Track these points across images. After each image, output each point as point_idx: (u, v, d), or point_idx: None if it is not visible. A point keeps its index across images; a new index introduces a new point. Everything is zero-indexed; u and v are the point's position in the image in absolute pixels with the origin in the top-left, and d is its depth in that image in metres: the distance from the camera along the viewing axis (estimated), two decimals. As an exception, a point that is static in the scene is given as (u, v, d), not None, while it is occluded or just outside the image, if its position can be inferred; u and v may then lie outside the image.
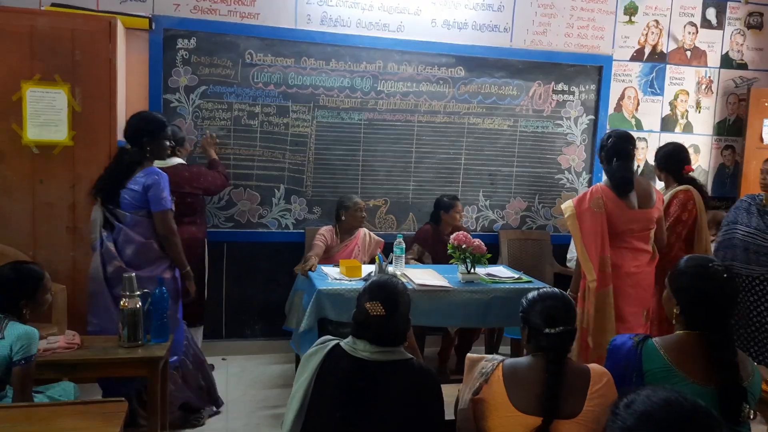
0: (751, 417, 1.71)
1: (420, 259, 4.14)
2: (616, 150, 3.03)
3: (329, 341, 1.84)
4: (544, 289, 1.91)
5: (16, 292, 2.33)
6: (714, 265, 1.87)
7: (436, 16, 4.43)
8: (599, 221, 2.94)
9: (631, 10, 4.80)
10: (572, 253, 4.10)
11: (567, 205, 3.05)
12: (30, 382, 2.25)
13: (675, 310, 1.88)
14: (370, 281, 1.94)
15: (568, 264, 4.22)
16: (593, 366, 1.78)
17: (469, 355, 1.93)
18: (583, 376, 1.71)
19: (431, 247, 4.15)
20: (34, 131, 3.48)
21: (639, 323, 3.04)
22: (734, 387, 1.71)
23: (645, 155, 4.92)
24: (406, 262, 3.97)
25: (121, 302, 2.74)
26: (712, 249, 3.60)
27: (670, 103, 4.98)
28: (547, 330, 1.75)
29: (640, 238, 3.04)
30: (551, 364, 1.72)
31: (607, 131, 3.37)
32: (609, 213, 2.95)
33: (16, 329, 2.24)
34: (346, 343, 1.81)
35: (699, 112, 5.04)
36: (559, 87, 4.72)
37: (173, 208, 3.09)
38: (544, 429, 1.64)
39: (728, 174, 5.14)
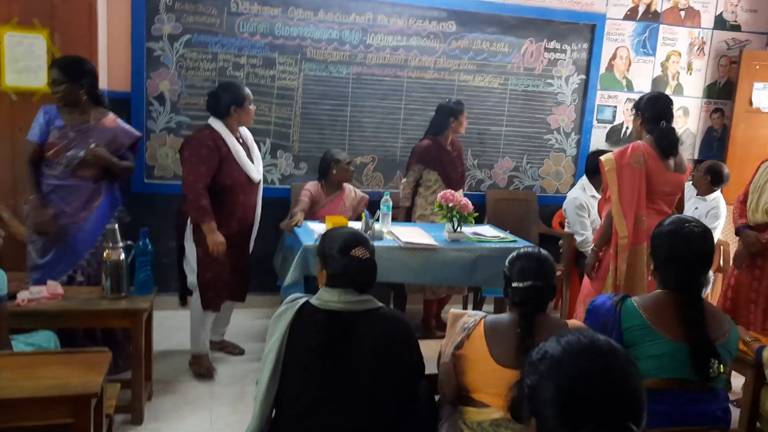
0: (722, 372, 1.78)
1: (420, 182, 3.96)
2: (665, 112, 2.99)
3: (298, 299, 1.83)
4: (526, 248, 1.94)
5: None
6: (690, 225, 1.92)
7: (429, -33, 4.31)
8: (638, 177, 2.91)
9: (627, -33, 4.71)
10: (582, 235, 4.03)
11: (607, 158, 3.01)
12: (3, 323, 2.23)
13: (651, 267, 1.97)
14: (326, 235, 1.92)
15: (579, 247, 4.13)
16: (572, 321, 1.83)
17: (452, 310, 1.95)
18: (561, 330, 1.73)
19: (437, 163, 3.93)
20: (12, 77, 3.39)
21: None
22: (703, 344, 1.79)
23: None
24: (402, 189, 3.96)
25: (105, 253, 2.72)
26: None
27: (662, 64, 4.94)
28: (515, 284, 1.82)
29: (667, 202, 3.04)
30: (522, 318, 1.77)
31: (648, 93, 3.29)
32: (648, 171, 2.93)
33: None
34: (315, 298, 1.81)
35: (690, 74, 5.00)
36: (552, 45, 4.65)
37: (31, 140, 3.01)
38: (522, 382, 1.66)
39: (716, 137, 5.14)
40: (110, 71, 3.85)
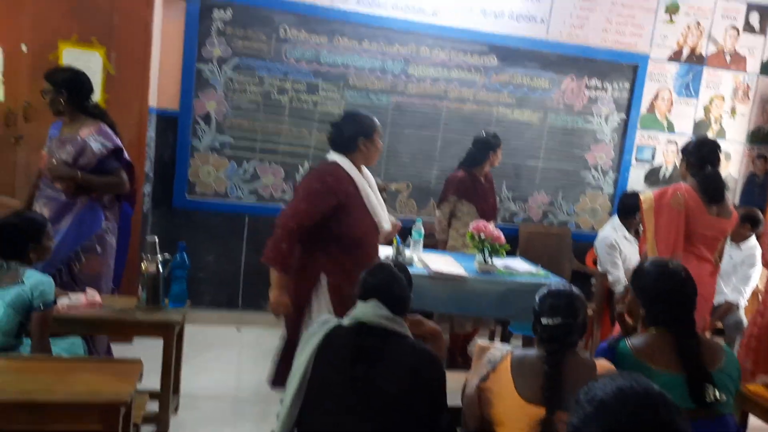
0: (719, 398, 1.81)
1: (454, 213, 3.97)
2: (710, 156, 2.98)
3: (330, 321, 1.86)
4: (557, 285, 1.94)
5: (23, 237, 2.37)
6: (672, 265, 2.02)
7: (473, 3, 4.39)
8: (676, 219, 2.88)
9: (672, 10, 4.70)
10: (613, 275, 3.98)
11: (646, 197, 2.99)
12: (47, 328, 2.30)
13: (641, 312, 2.02)
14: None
15: (611, 287, 4.00)
16: (600, 361, 1.80)
17: (479, 342, 1.95)
18: (589, 369, 1.73)
19: (471, 194, 3.94)
20: (68, 92, 3.53)
21: None
22: (697, 371, 1.83)
23: (675, 158, 4.85)
24: (438, 222, 3.97)
25: (143, 265, 2.79)
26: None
27: (705, 107, 4.89)
28: (544, 320, 1.81)
29: (709, 247, 2.99)
30: (549, 355, 1.76)
31: (695, 137, 3.31)
32: (688, 213, 2.89)
33: (34, 275, 2.29)
34: (346, 317, 1.84)
35: (734, 118, 4.94)
36: (592, 83, 4.66)
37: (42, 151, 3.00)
38: (548, 420, 1.66)
39: (758, 183, 5.04)
40: (160, 90, 4.00)
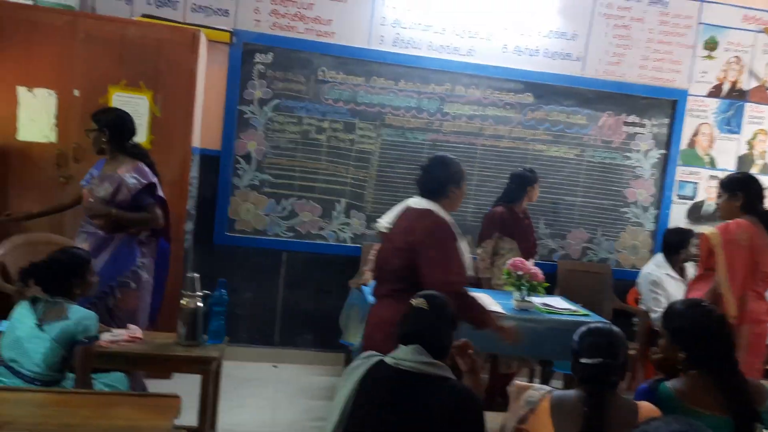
0: None
1: (496, 251, 3.89)
2: (762, 193, 2.93)
3: (373, 356, 1.86)
4: (596, 323, 1.91)
5: (69, 273, 2.45)
6: (706, 304, 1.99)
7: (508, 42, 4.44)
8: (745, 254, 2.82)
9: (711, 45, 4.67)
10: (656, 312, 3.84)
11: (712, 233, 2.90)
12: (90, 363, 2.35)
13: (680, 355, 1.92)
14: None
15: (653, 325, 3.89)
16: (643, 403, 1.75)
17: (516, 382, 1.93)
18: (630, 412, 1.68)
19: (512, 230, 3.89)
20: (116, 133, 3.68)
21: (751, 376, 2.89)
22: (746, 411, 1.78)
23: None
24: (482, 260, 3.87)
25: (182, 301, 2.84)
26: None
27: (748, 143, 4.79)
28: (583, 360, 1.77)
29: (766, 284, 2.91)
30: (589, 396, 1.72)
31: (741, 174, 3.23)
32: (753, 248, 2.82)
33: (78, 311, 2.35)
34: (390, 356, 1.83)
35: (779, 153, 4.82)
36: (630, 119, 4.63)
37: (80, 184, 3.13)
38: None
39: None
40: (204, 131, 4.13)
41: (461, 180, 2.63)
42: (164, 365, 2.87)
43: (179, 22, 4.02)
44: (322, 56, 4.26)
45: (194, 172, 4.02)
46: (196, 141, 3.98)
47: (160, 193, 3.12)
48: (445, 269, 2.42)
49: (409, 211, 2.58)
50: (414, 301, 1.86)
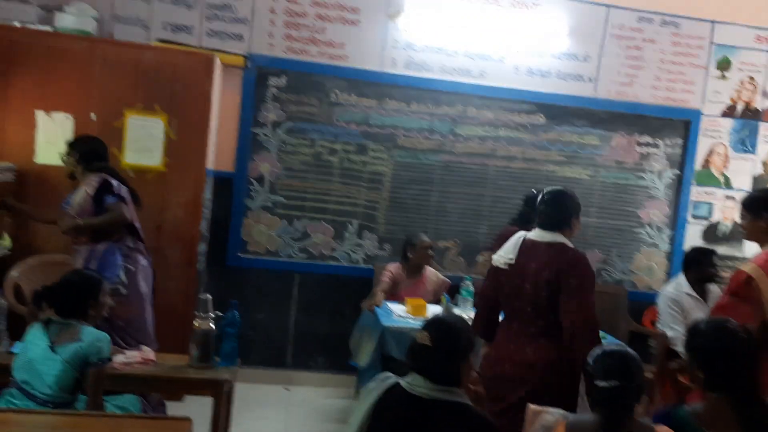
0: None
1: None
2: None
3: (389, 378, 1.85)
4: (610, 344, 1.87)
5: (82, 295, 2.46)
6: (730, 324, 1.91)
7: (519, 63, 4.46)
8: None
9: (724, 65, 4.66)
10: (674, 330, 3.76)
11: (752, 268, 2.60)
12: (102, 384, 2.35)
13: (700, 374, 1.88)
14: (433, 316, 1.95)
15: (671, 345, 3.71)
16: (661, 428, 1.72)
17: (531, 406, 1.89)
18: (647, 436, 1.64)
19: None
20: (131, 156, 3.73)
21: None
22: None
23: (734, 215, 4.68)
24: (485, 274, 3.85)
25: (195, 323, 2.84)
26: None
27: (764, 162, 4.75)
28: (598, 382, 1.72)
29: None
30: (605, 420, 1.69)
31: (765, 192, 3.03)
32: None
33: (91, 333, 2.36)
34: (405, 380, 1.81)
35: (795, 173, 4.77)
36: (644, 139, 4.61)
37: None
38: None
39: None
40: (218, 153, 4.17)
41: (580, 211, 2.67)
42: (176, 387, 2.87)
43: (195, 47, 4.08)
44: (334, 79, 4.30)
45: (208, 194, 4.05)
46: (210, 163, 4.01)
47: (119, 190, 3.16)
48: (588, 304, 2.44)
49: (538, 245, 2.57)
50: (418, 335, 1.82)
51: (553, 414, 1.80)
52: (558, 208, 2.61)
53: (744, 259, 2.95)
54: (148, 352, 2.83)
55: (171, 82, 3.74)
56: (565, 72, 4.50)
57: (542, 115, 4.50)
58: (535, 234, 2.60)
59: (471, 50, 4.41)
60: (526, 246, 2.58)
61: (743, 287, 2.66)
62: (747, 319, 2.62)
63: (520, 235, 2.65)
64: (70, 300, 2.42)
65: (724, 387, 1.85)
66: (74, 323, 2.38)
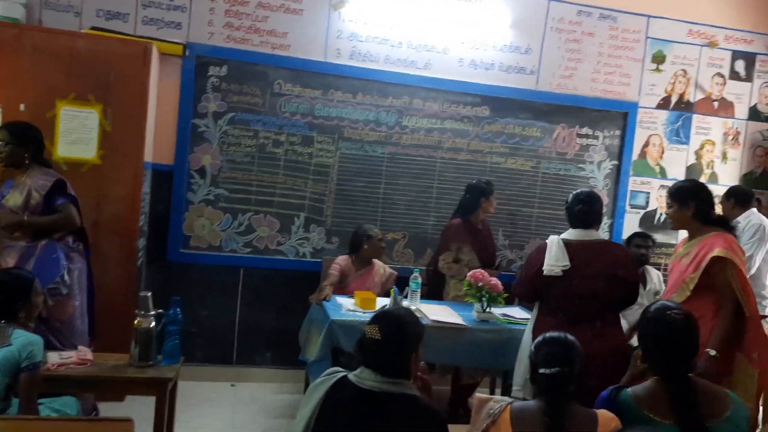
0: None
1: (457, 259, 3.90)
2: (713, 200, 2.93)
3: (337, 372, 1.83)
4: (552, 333, 1.91)
5: (12, 295, 2.35)
6: (673, 312, 1.97)
7: (464, 56, 4.49)
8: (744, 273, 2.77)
9: (658, 59, 4.82)
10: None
11: (729, 254, 2.67)
12: (36, 389, 2.25)
13: (639, 354, 2.04)
14: (382, 308, 1.94)
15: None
16: (602, 411, 1.77)
17: (477, 395, 1.91)
18: (589, 421, 1.69)
19: (470, 241, 3.92)
20: (64, 148, 3.57)
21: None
22: (692, 424, 1.79)
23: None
24: (441, 267, 3.90)
25: (135, 321, 2.75)
26: None
27: (696, 153, 4.95)
28: (542, 370, 1.78)
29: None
30: (548, 406, 1.74)
31: (694, 181, 3.18)
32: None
33: (22, 336, 2.25)
34: (353, 374, 1.80)
35: (725, 162, 4.99)
36: (584, 131, 4.73)
37: None
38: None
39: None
40: (156, 145, 4.04)
41: None
42: (117, 387, 2.78)
43: (130, 35, 3.92)
44: (277, 69, 4.22)
45: (146, 187, 3.92)
46: (149, 155, 3.88)
47: (71, 191, 3.07)
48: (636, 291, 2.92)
49: (594, 244, 2.89)
50: (367, 329, 1.80)
51: (498, 402, 1.83)
52: (596, 210, 2.96)
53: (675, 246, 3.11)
54: (85, 352, 2.72)
55: (106, 72, 3.59)
56: (508, 64, 4.56)
57: (487, 107, 4.55)
58: (577, 233, 2.90)
59: (415, 41, 4.41)
60: (584, 247, 2.86)
61: (702, 276, 2.75)
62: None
63: (554, 239, 2.88)
64: (1, 301, 2.30)
65: (659, 371, 1.94)
66: (4, 326, 2.26)
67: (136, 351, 2.73)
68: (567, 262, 2.80)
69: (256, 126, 4.23)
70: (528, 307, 4.00)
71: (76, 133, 3.57)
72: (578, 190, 3.02)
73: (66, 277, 3.02)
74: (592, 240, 2.89)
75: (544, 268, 2.82)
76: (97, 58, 3.58)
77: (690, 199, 2.86)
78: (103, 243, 3.56)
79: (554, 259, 2.81)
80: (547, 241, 2.93)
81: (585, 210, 2.90)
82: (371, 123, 4.39)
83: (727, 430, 1.85)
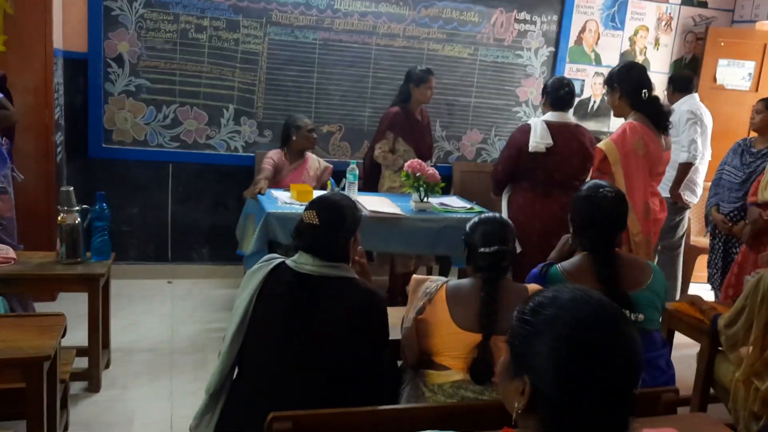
0: (637, 319, 1.93)
1: (393, 149, 3.85)
2: (644, 80, 2.83)
3: (274, 259, 1.80)
4: (485, 214, 1.97)
5: None
6: (604, 190, 2.06)
7: (399, -68, 4.21)
8: (643, 164, 2.77)
9: (597, -61, 4.68)
10: None
11: (609, 148, 2.76)
12: None
13: (570, 230, 2.12)
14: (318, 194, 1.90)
15: None
16: (532, 286, 1.83)
17: (414, 276, 1.94)
18: (520, 294, 1.75)
19: (405, 131, 3.86)
20: (-41, 33, 3.21)
21: None
22: (615, 296, 1.84)
23: (602, 90, 4.92)
24: (377, 156, 3.87)
25: (59, 217, 2.63)
26: None
27: (630, 39, 4.96)
28: (481, 249, 1.83)
29: (657, 182, 2.96)
30: (487, 283, 1.79)
31: (620, 64, 3.23)
32: (648, 154, 2.78)
33: None
34: (291, 259, 1.77)
35: (657, 49, 5.03)
36: (522, 16, 4.62)
37: None
38: (484, 345, 1.69)
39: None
40: (65, 30, 3.69)
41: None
42: (45, 286, 2.71)
43: None
44: (197, -55, 3.86)
45: (59, 77, 3.62)
46: (58, 42, 3.56)
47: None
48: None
49: (570, 127, 3.20)
50: (305, 215, 1.76)
51: (434, 281, 1.86)
52: (573, 93, 3.25)
53: (609, 134, 3.14)
54: (7, 251, 2.60)
55: (-2, -56, 3.18)
56: (446, -57, 4.33)
57: (423, -10, 4.35)
58: (556, 115, 3.17)
59: None
60: (562, 127, 3.15)
61: (601, 163, 2.86)
62: None
63: (537, 121, 3.15)
64: None
65: (590, 245, 2.03)
66: None
67: (63, 248, 2.64)
68: (550, 140, 3.09)
69: (176, 9, 3.91)
70: (463, 196, 4.06)
71: (-29, 15, 3.21)
72: (556, 76, 3.35)
73: (11, 176, 2.89)
74: (568, 122, 3.21)
75: (530, 145, 3.08)
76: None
77: (615, 83, 2.89)
78: (16, 138, 3.30)
79: (539, 137, 3.09)
80: (530, 122, 3.20)
81: (570, 92, 3.21)
82: (301, 6, 4.13)
83: (648, 297, 1.98)
